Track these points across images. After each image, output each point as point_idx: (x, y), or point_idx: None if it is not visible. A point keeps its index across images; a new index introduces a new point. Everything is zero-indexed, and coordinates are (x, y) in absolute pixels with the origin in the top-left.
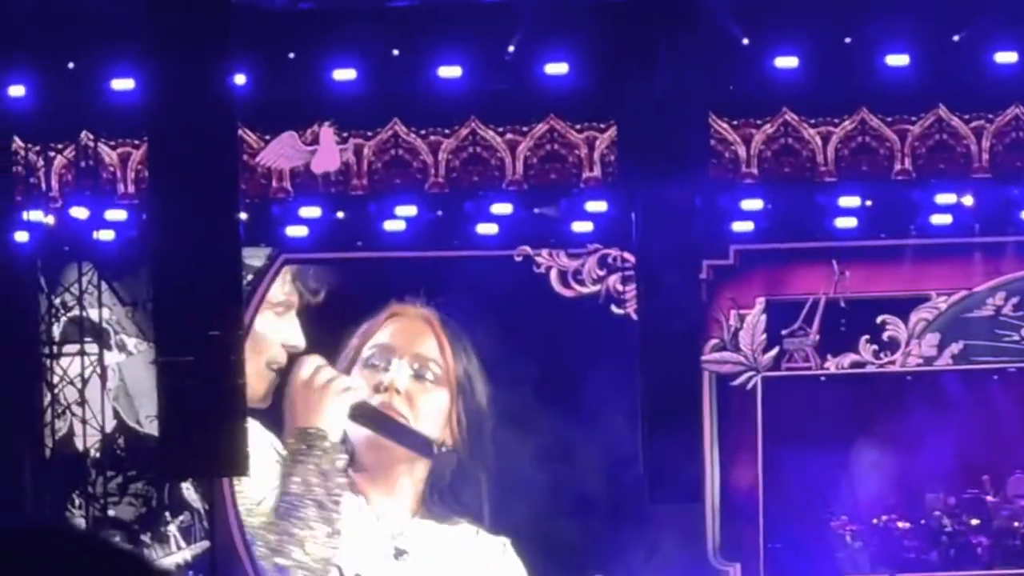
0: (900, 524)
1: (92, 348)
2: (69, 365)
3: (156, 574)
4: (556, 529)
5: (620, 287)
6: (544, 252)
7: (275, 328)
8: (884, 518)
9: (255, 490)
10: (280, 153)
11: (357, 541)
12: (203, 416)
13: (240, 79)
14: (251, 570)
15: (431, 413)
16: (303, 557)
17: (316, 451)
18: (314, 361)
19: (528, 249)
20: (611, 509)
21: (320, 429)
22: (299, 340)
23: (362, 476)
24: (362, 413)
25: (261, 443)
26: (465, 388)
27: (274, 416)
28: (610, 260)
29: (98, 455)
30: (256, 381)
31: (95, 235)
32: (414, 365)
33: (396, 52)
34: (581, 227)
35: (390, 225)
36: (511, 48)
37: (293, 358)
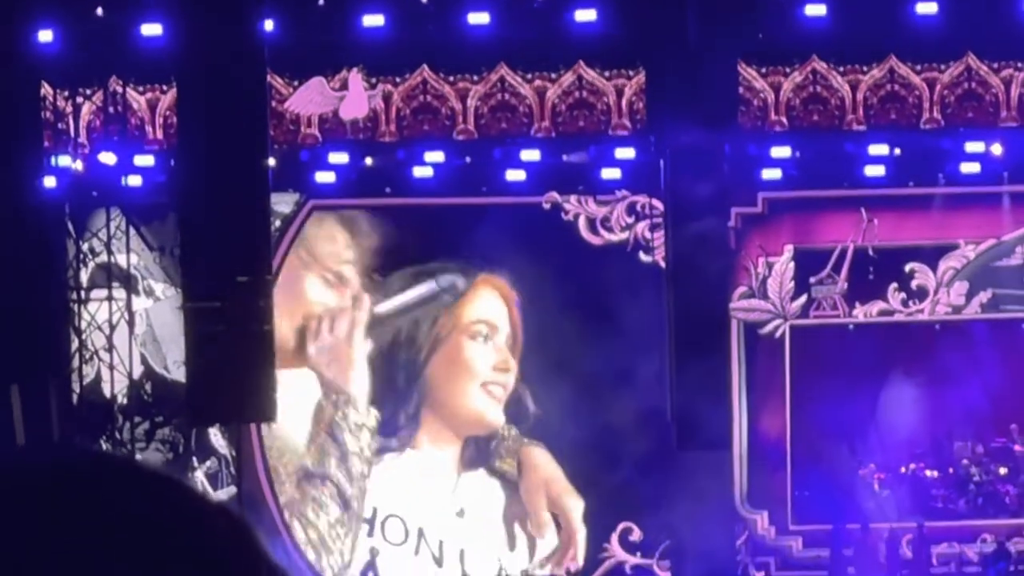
0: (928, 472)
1: (120, 294)
2: (97, 311)
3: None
4: (584, 476)
5: (648, 235)
6: (572, 199)
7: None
8: (912, 466)
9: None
10: (309, 99)
11: (417, 495)
12: (231, 362)
13: (269, 25)
14: (277, 516)
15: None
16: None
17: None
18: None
19: (556, 196)
20: (639, 456)
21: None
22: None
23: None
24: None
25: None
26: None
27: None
28: (638, 208)
29: (125, 401)
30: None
31: (123, 181)
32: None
33: None
34: (609, 174)
35: (419, 172)
36: None
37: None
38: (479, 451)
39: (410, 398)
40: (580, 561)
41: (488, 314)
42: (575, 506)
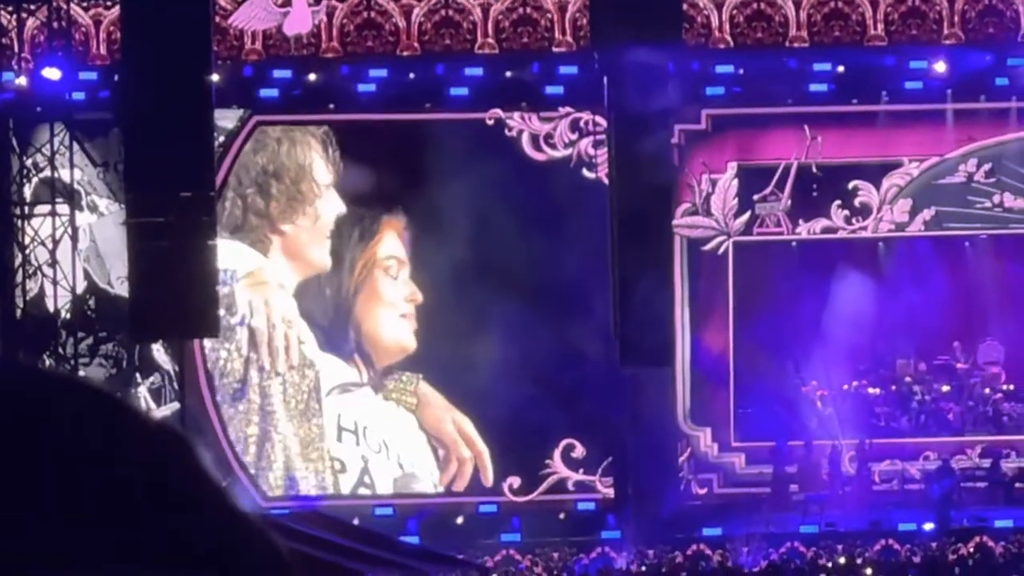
0: (871, 390)
1: (63, 209)
2: (40, 226)
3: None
4: (527, 393)
5: (592, 151)
6: (516, 115)
7: None
8: (855, 384)
9: None
10: (252, 15)
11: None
12: (174, 278)
13: None
14: (220, 431)
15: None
16: None
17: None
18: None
19: (500, 112)
20: (583, 373)
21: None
22: None
23: None
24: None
25: None
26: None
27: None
28: (582, 124)
29: (69, 316)
30: None
31: (67, 96)
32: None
33: None
34: (553, 91)
35: (362, 88)
36: None
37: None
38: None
39: (348, 336)
40: (490, 480)
41: (395, 251)
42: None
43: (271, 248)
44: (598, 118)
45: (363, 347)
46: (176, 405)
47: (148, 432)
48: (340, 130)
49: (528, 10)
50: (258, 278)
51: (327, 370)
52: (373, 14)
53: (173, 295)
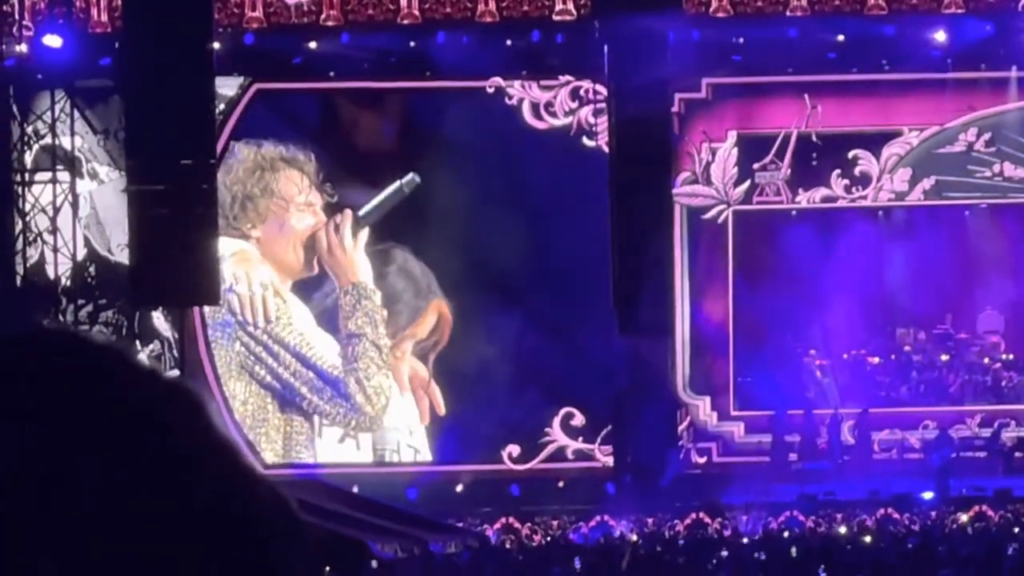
0: (870, 359)
1: (64, 176)
2: (41, 193)
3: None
4: (526, 361)
5: (592, 120)
6: (516, 84)
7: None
8: (854, 353)
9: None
10: None
11: None
12: (174, 245)
13: None
14: (220, 400)
15: None
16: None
17: (365, 301)
18: (346, 221)
19: (500, 81)
20: (582, 342)
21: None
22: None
23: None
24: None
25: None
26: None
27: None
28: (582, 92)
29: (69, 283)
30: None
31: (68, 64)
32: None
33: None
34: (553, 59)
35: (363, 56)
36: None
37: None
38: None
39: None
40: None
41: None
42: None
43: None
44: (598, 87)
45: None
46: (176, 372)
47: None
48: (337, 98)
49: None
50: (243, 256)
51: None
52: None
53: (173, 263)
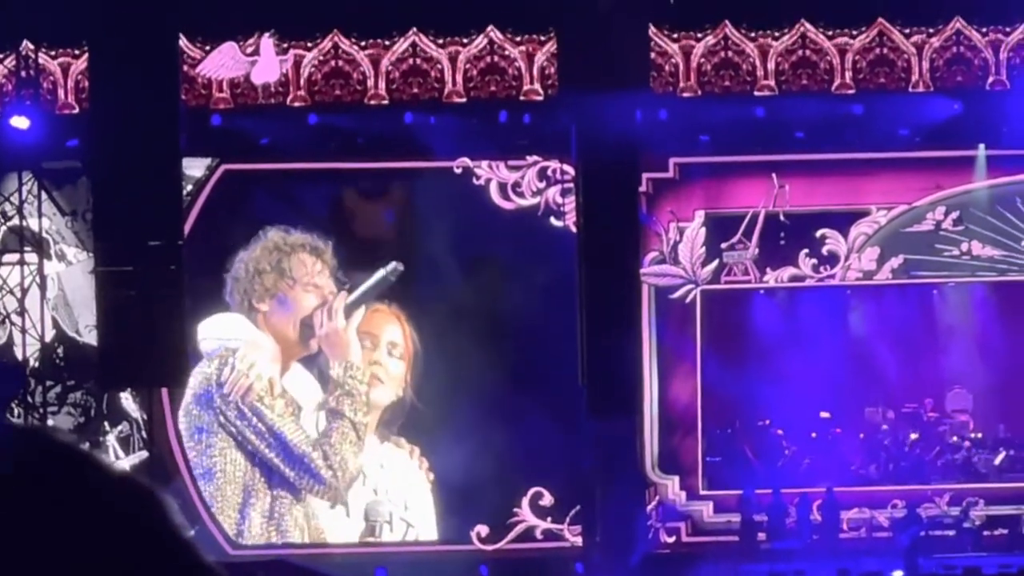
0: (839, 438)
1: (32, 257)
2: (9, 274)
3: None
4: (495, 441)
5: (559, 199)
6: (484, 164)
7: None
8: (823, 433)
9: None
10: (220, 64)
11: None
12: (142, 326)
13: None
14: (188, 479)
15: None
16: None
17: (351, 380)
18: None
19: (468, 161)
20: (551, 421)
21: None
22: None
23: None
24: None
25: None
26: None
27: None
28: (549, 172)
29: (37, 364)
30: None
31: (35, 145)
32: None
33: None
34: (520, 140)
35: (330, 136)
36: None
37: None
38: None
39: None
40: None
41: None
42: None
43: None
44: (566, 166)
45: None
46: (144, 453)
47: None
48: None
49: (496, 58)
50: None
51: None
52: (341, 62)
53: (141, 343)
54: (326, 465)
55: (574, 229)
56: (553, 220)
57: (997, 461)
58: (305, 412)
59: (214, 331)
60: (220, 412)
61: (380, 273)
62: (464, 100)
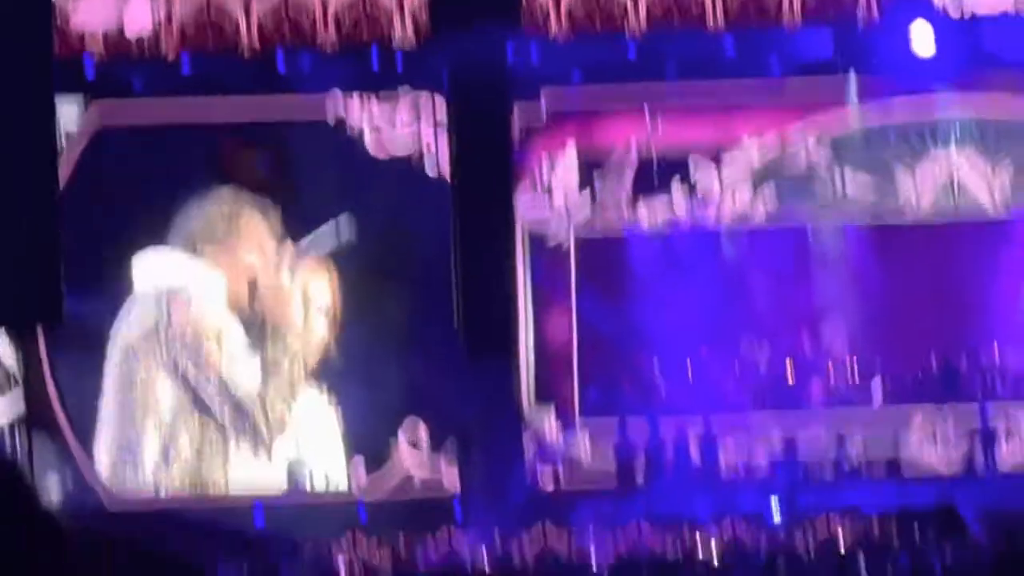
0: (715, 370)
1: None
2: None
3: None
4: (377, 378)
5: (433, 144)
6: (355, 95)
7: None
8: (700, 364)
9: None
10: (93, 13)
11: None
12: (14, 262)
13: None
14: (67, 425)
15: None
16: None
17: (291, 338)
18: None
19: (339, 93)
20: (427, 366)
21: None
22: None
23: None
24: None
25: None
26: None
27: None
28: (420, 104)
29: None
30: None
31: None
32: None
33: None
34: (392, 78)
35: (205, 86)
36: None
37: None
38: None
39: None
40: None
41: None
42: None
43: None
44: (438, 102)
45: None
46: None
47: None
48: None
49: (367, 6)
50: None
51: None
52: (213, 11)
53: (13, 279)
54: (263, 415)
55: (448, 175)
56: (427, 165)
57: (873, 390)
58: (243, 361)
59: (155, 266)
60: (164, 349)
61: (326, 227)
62: (337, 46)
